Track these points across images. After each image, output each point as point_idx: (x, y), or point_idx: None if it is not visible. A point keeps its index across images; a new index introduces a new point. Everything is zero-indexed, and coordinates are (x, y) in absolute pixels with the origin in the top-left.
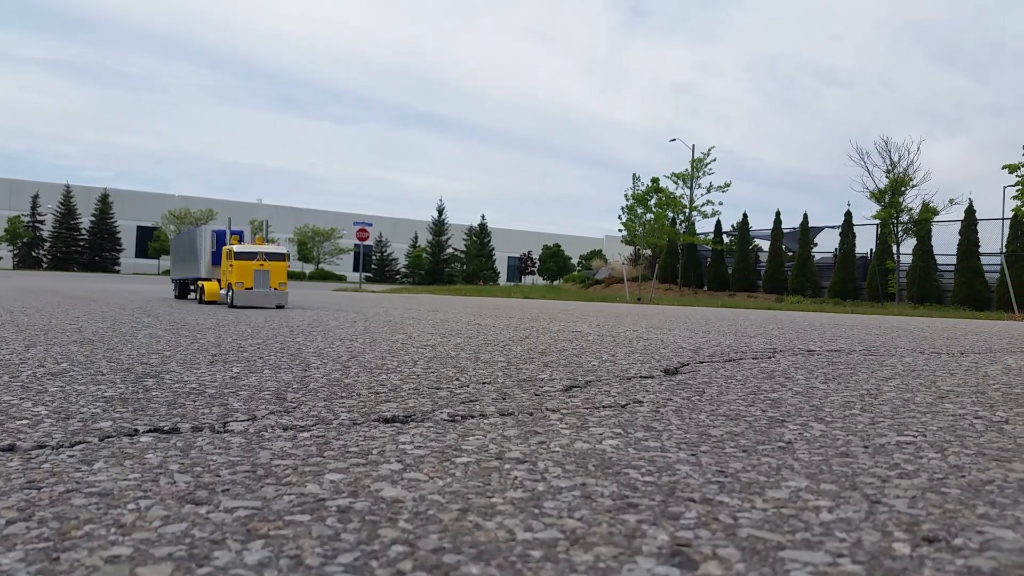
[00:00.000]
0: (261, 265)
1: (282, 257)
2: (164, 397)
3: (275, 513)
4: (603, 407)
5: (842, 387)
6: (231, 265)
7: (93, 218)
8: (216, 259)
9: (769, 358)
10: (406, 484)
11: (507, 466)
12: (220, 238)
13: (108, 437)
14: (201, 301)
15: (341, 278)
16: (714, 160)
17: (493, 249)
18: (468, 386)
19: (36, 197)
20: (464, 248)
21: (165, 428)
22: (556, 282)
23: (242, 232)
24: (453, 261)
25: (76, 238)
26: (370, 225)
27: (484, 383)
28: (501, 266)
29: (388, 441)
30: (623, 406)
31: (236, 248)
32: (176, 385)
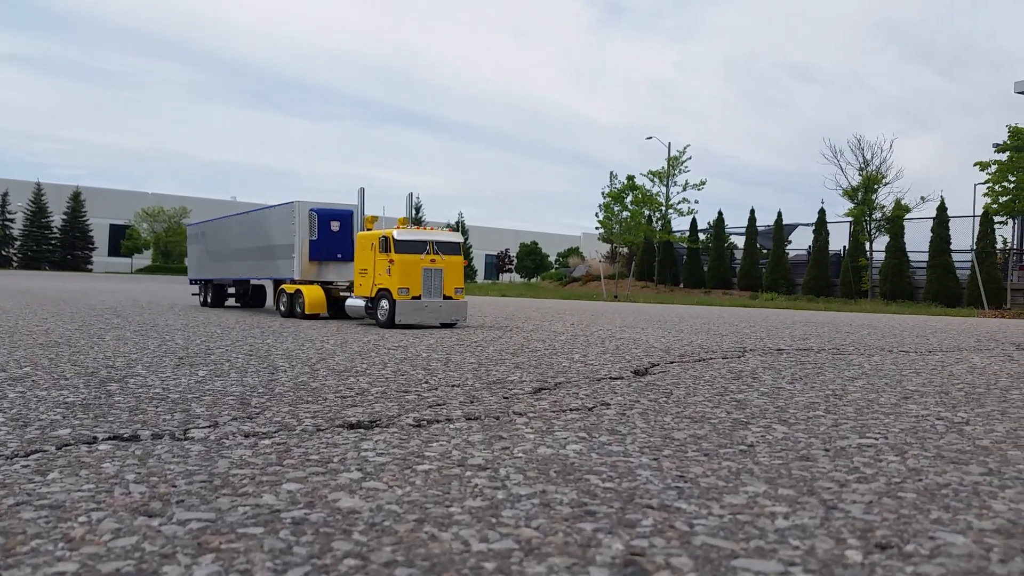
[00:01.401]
0: (433, 261)
1: (457, 248)
2: (126, 403)
3: (228, 526)
4: (570, 410)
5: (808, 387)
6: (390, 261)
7: (65, 216)
8: (318, 251)
9: (739, 357)
10: (364, 494)
11: (468, 473)
12: (323, 220)
13: (66, 445)
14: (293, 313)
15: None
16: (690, 158)
17: (471, 247)
18: (437, 389)
19: (6, 195)
20: None
21: (125, 435)
22: (533, 280)
23: (350, 213)
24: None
25: (47, 236)
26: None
27: (453, 386)
28: (478, 264)
29: (350, 448)
30: (590, 409)
31: (398, 234)
32: (140, 390)
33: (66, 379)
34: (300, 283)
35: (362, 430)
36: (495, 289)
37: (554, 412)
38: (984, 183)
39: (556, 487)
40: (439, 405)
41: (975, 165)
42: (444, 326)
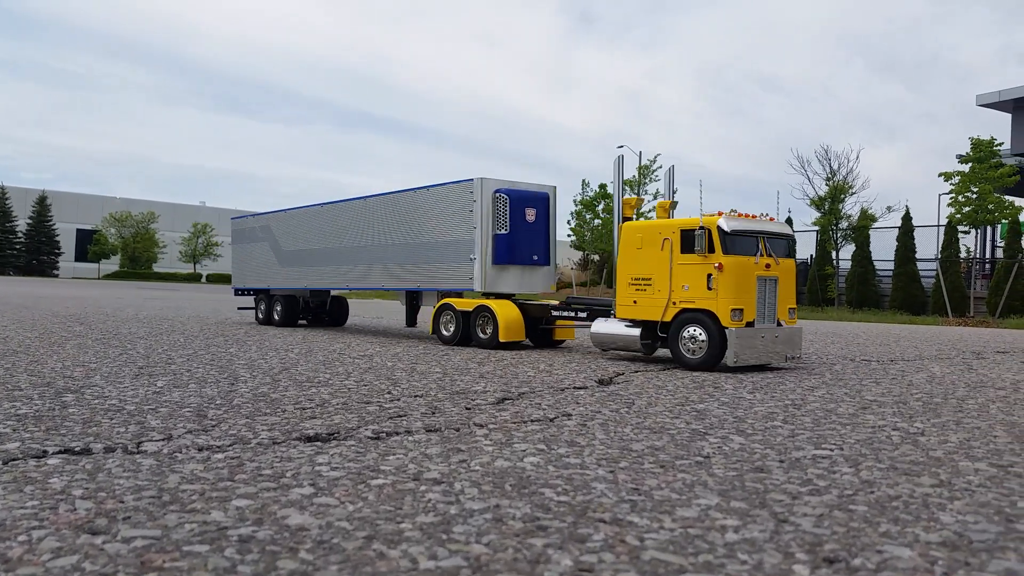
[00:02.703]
0: (768, 267)
1: (789, 246)
2: (81, 414)
3: (173, 543)
4: (531, 421)
5: (768, 397)
6: (717, 267)
7: (30, 220)
8: (508, 251)
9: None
10: (315, 510)
11: (423, 488)
12: (516, 207)
13: (13, 460)
14: (470, 340)
15: None
16: (660, 167)
17: None
18: (399, 400)
19: None
20: None
21: (76, 449)
22: None
23: (546, 196)
24: None
25: (12, 241)
26: None
27: (416, 396)
28: None
29: (305, 462)
30: (551, 420)
31: (727, 223)
32: (96, 401)
33: (20, 390)
34: (482, 297)
35: (319, 443)
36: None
37: (515, 423)
38: (948, 193)
39: (510, 501)
40: (400, 416)
41: (939, 176)
42: (771, 368)
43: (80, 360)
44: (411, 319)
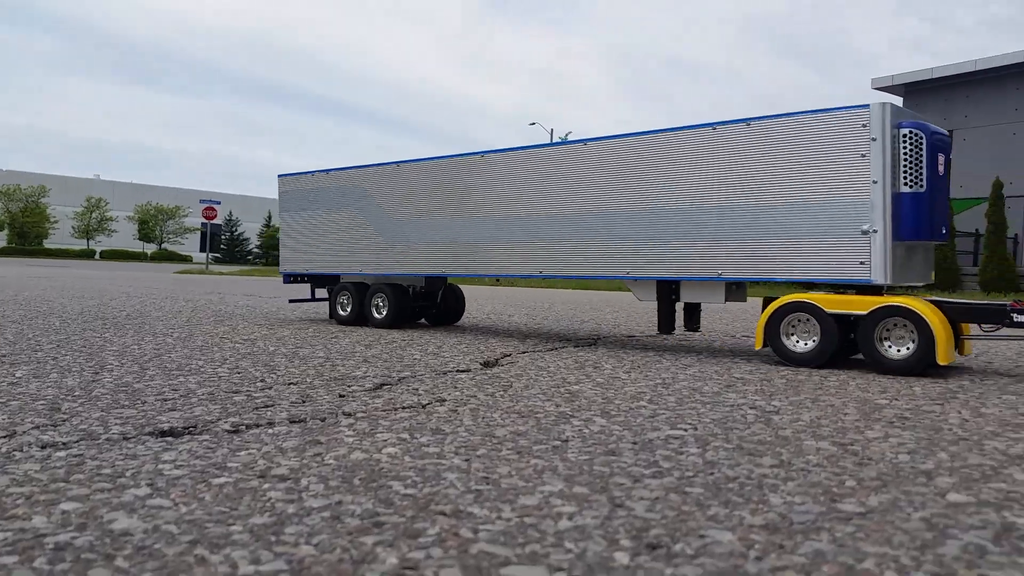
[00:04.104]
0: None
1: None
2: None
3: None
4: (403, 408)
5: (643, 376)
6: None
7: None
8: (918, 222)
9: (590, 345)
10: (145, 512)
11: (266, 485)
12: (932, 152)
13: None
14: (898, 365)
15: (186, 259)
16: None
17: None
18: (271, 388)
19: None
20: None
21: None
22: None
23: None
24: None
25: None
26: (218, 203)
27: (290, 384)
28: None
29: (150, 460)
30: (424, 406)
31: None
32: None
33: None
34: (882, 292)
35: (171, 438)
36: None
37: (385, 411)
38: None
39: (354, 497)
40: (267, 407)
41: None
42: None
43: None
44: (669, 321)
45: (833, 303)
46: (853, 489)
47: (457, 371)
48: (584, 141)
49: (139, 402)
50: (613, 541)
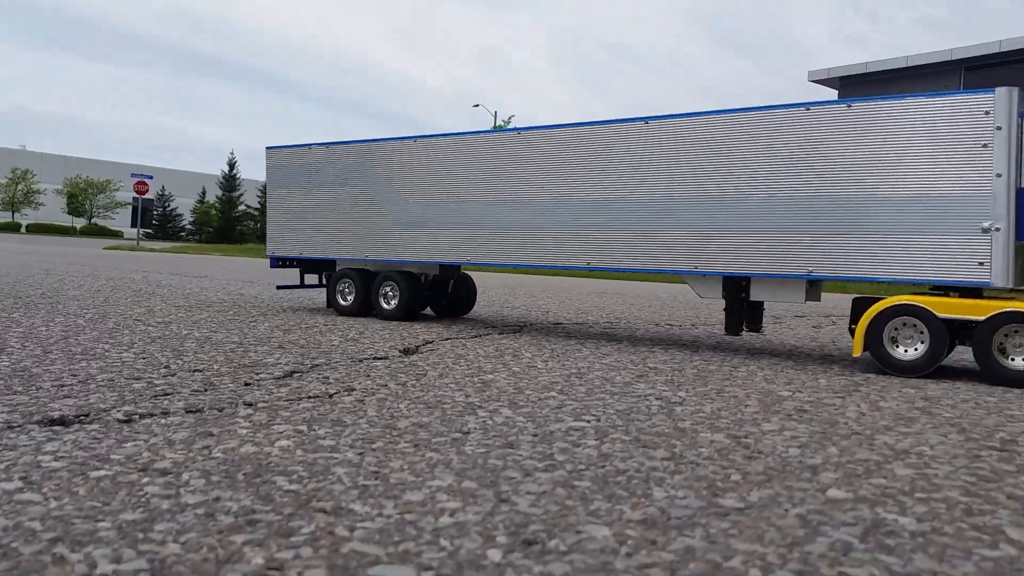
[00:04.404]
0: None
1: None
2: None
3: None
4: (308, 398)
5: (559, 366)
6: None
7: None
8: None
9: (515, 332)
10: (11, 508)
11: (145, 479)
12: None
13: None
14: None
15: (117, 234)
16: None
17: None
18: (175, 375)
19: None
20: (258, 205)
21: None
22: None
23: None
24: (246, 219)
25: None
26: (150, 178)
27: (196, 371)
28: None
29: (30, 451)
30: (330, 396)
31: None
32: None
33: None
34: (1006, 296)
35: (58, 427)
36: None
37: (288, 401)
38: None
39: (233, 493)
40: (165, 395)
41: None
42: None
43: None
44: (739, 320)
45: (945, 307)
46: (737, 484)
47: (374, 359)
48: (646, 119)
49: (33, 388)
50: (490, 538)
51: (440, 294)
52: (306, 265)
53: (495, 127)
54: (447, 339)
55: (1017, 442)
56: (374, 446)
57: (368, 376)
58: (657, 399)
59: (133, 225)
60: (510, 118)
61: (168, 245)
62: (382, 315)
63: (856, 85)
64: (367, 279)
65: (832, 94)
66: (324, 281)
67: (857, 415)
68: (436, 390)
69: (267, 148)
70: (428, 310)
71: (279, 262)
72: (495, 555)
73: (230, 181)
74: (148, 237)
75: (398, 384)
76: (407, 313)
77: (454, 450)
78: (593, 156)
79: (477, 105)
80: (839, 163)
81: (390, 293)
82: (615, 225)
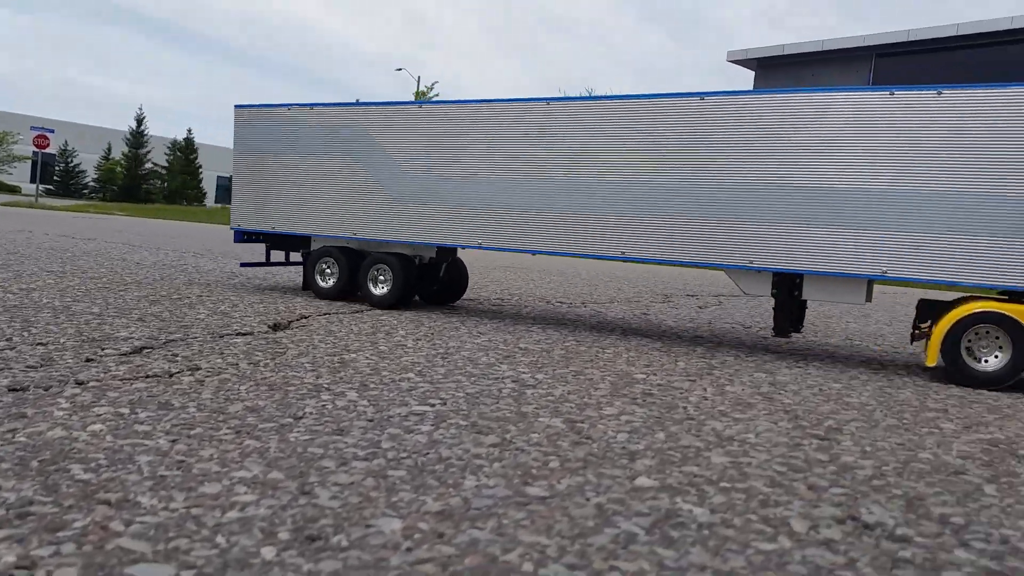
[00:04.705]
0: None
1: None
2: None
3: None
4: (146, 377)
5: (429, 344)
6: None
7: None
8: None
9: (401, 309)
10: None
11: None
12: None
13: None
14: None
15: (14, 189)
16: (437, 95)
17: (200, 166)
18: (13, 348)
19: None
20: (166, 163)
21: None
22: None
23: None
24: (153, 177)
25: None
26: (52, 132)
27: (39, 344)
28: (209, 185)
29: None
30: (171, 375)
31: None
32: None
33: None
34: None
35: None
36: (224, 214)
37: (124, 380)
38: None
39: (17, 483)
40: None
41: None
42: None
43: None
44: (789, 319)
45: None
46: (552, 472)
47: (237, 334)
48: (701, 95)
49: None
50: (271, 534)
51: (431, 279)
52: (276, 241)
53: (417, 94)
54: (325, 314)
55: (842, 430)
56: (192, 432)
57: (221, 354)
58: (513, 382)
59: (32, 181)
60: (432, 84)
61: (70, 203)
62: (371, 300)
63: (774, 67)
64: (353, 259)
65: (749, 75)
66: (289, 259)
67: (699, 399)
68: (288, 370)
69: (236, 106)
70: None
71: (246, 236)
72: (268, 553)
73: (137, 138)
74: (49, 194)
75: (250, 363)
76: (400, 299)
77: (277, 437)
78: (634, 134)
79: (400, 69)
80: (924, 155)
81: (382, 277)
82: (656, 212)
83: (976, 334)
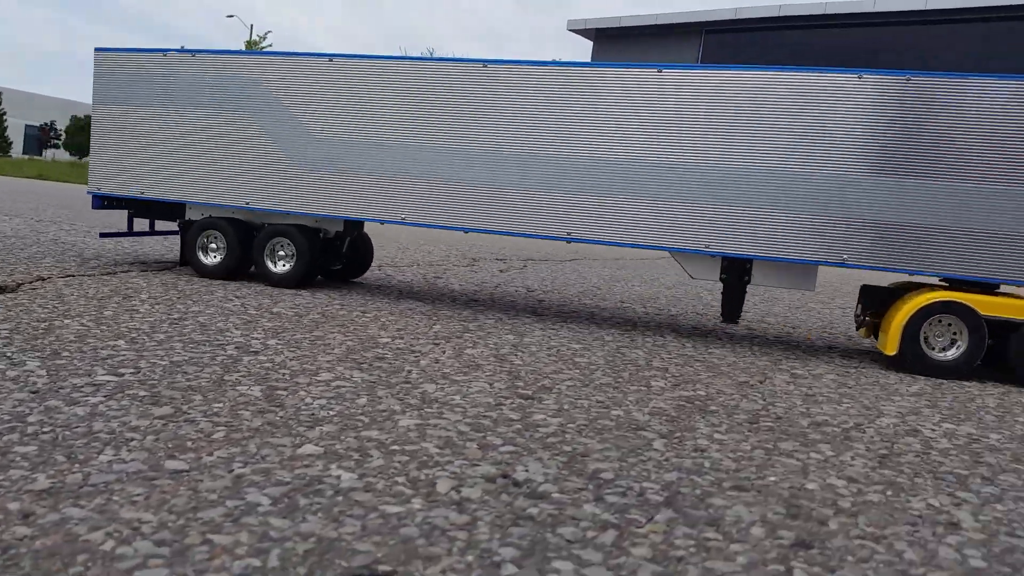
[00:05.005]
0: None
1: None
2: None
3: None
4: None
5: (166, 309)
6: None
7: None
8: None
9: (163, 269)
10: None
11: None
12: None
13: None
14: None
15: None
16: (270, 45)
17: (4, 114)
18: None
19: None
20: None
21: None
22: (85, 159)
23: None
24: None
25: None
26: None
27: None
28: (16, 135)
29: None
30: None
31: None
32: None
33: None
34: None
35: None
36: (32, 167)
37: None
38: None
39: None
40: None
41: None
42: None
43: None
44: (737, 306)
45: (990, 306)
46: (211, 443)
47: None
48: (697, 68)
49: None
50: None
51: (334, 254)
52: (141, 208)
53: (249, 43)
54: (69, 276)
55: (552, 390)
56: None
57: None
58: (236, 348)
59: None
60: (266, 34)
61: None
62: (270, 279)
63: (610, 39)
64: (246, 232)
65: (588, 45)
66: (154, 228)
67: (430, 363)
68: None
69: (96, 49)
70: (336, 272)
71: (106, 201)
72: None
73: None
74: None
75: None
76: (304, 277)
77: None
78: (581, 105)
79: (231, 16)
80: (940, 147)
81: (284, 253)
82: (612, 190)
83: (936, 322)
